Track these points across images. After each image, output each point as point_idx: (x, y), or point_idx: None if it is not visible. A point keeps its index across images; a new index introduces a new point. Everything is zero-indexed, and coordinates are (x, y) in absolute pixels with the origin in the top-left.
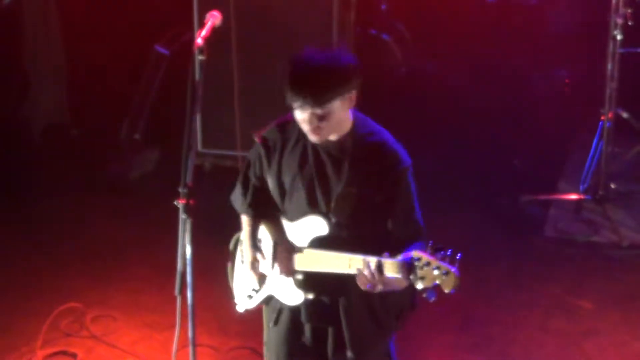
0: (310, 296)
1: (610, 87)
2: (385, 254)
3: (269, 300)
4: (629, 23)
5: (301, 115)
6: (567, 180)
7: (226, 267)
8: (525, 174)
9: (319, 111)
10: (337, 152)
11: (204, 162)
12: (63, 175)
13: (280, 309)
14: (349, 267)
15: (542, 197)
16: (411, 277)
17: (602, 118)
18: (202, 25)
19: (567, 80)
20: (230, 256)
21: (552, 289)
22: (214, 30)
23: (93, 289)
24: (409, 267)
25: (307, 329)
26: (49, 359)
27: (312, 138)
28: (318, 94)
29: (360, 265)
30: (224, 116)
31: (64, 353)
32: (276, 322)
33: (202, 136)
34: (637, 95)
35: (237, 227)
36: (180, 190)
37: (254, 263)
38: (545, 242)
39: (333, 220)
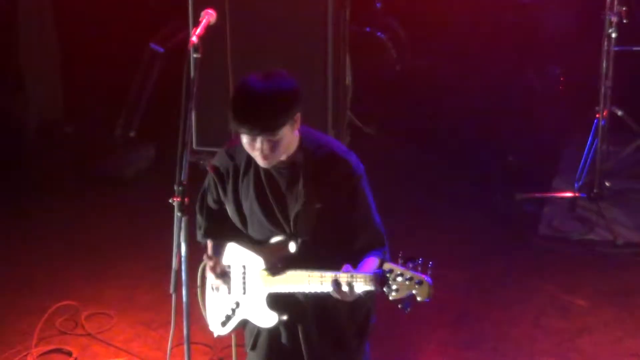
0: (284, 317)
1: (605, 85)
2: (346, 265)
3: (245, 324)
4: (624, 21)
5: (249, 143)
6: (561, 178)
7: (196, 294)
8: (520, 172)
9: (269, 138)
10: (289, 171)
11: (199, 160)
12: (57, 172)
13: (258, 332)
14: (321, 284)
15: (537, 194)
16: (385, 289)
17: (597, 116)
18: (197, 23)
19: (562, 78)
20: (200, 283)
21: (546, 286)
22: (209, 28)
23: (88, 287)
24: (381, 279)
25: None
26: (44, 356)
27: (262, 163)
28: (267, 123)
29: (330, 283)
30: (219, 114)
31: (59, 351)
32: (253, 346)
33: (197, 134)
34: (631, 94)
35: None
36: (175, 188)
37: (214, 284)
38: (539, 239)
39: (298, 239)
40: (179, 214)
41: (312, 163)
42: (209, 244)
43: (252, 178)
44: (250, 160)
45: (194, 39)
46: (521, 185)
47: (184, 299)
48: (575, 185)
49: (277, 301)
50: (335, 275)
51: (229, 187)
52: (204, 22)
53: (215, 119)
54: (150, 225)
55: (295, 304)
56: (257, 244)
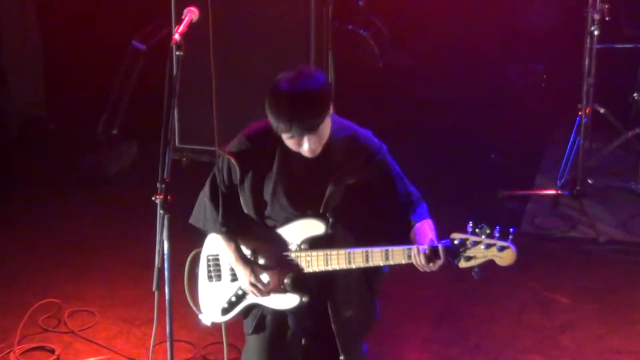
0: (305, 299)
1: (588, 83)
2: (431, 240)
3: (249, 310)
4: (606, 19)
5: (296, 143)
6: (544, 175)
7: (183, 284)
8: (502, 169)
9: (313, 136)
10: (318, 157)
11: (182, 157)
12: (40, 169)
13: (262, 315)
14: (387, 259)
15: (520, 192)
16: (456, 259)
17: (580, 113)
18: (179, 20)
19: (544, 76)
20: (189, 273)
21: (529, 283)
22: (192, 26)
23: (71, 284)
24: (450, 250)
25: (290, 335)
26: (27, 354)
27: (309, 155)
28: (312, 124)
29: (401, 257)
30: (202, 111)
31: (42, 348)
32: (257, 330)
33: (180, 131)
34: (614, 91)
35: None
36: (158, 185)
37: (254, 276)
38: (522, 237)
39: (330, 219)
40: (161, 212)
41: (336, 145)
42: (223, 237)
43: (277, 163)
44: (274, 145)
45: (177, 36)
46: (504, 182)
47: (167, 296)
48: (558, 182)
49: (297, 282)
50: (417, 248)
51: (249, 173)
52: (186, 19)
53: (197, 116)
54: (133, 223)
55: (320, 282)
56: (276, 229)
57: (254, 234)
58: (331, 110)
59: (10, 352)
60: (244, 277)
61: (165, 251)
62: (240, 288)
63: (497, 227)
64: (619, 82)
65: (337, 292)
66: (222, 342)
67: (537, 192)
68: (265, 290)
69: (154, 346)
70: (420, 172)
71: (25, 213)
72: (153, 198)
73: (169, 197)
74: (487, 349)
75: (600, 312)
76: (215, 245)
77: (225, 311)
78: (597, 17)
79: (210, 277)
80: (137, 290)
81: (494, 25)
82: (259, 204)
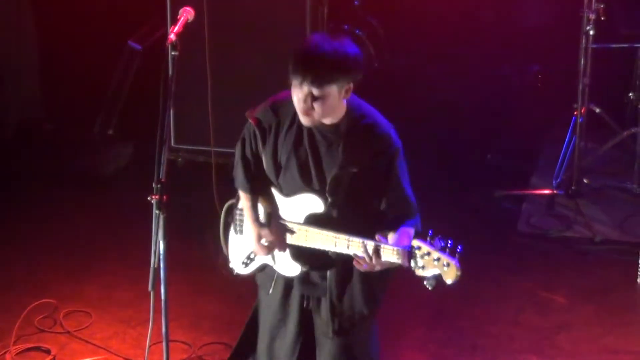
0: (306, 269)
1: (583, 83)
2: (379, 237)
3: (264, 268)
4: (602, 19)
5: (298, 94)
6: (540, 175)
7: (218, 234)
8: (498, 169)
9: (315, 91)
10: (332, 135)
11: (177, 157)
12: (36, 169)
13: (276, 277)
14: (348, 247)
15: (516, 192)
16: (412, 264)
17: (575, 113)
18: (175, 21)
19: (540, 76)
20: (223, 223)
21: (525, 283)
22: (187, 26)
23: (66, 285)
24: (409, 254)
25: (296, 299)
26: (22, 354)
27: (303, 120)
28: (319, 74)
29: (358, 248)
30: (197, 111)
31: (37, 349)
32: (269, 289)
33: (175, 131)
34: (609, 91)
35: (210, 223)
36: (154, 185)
37: (259, 237)
38: (518, 236)
39: (329, 199)
40: (157, 212)
41: (354, 131)
42: (245, 194)
43: (294, 134)
44: (294, 117)
45: (172, 36)
46: (500, 182)
47: (163, 296)
48: (554, 182)
49: (301, 253)
50: (364, 242)
51: (270, 140)
52: (182, 20)
53: (193, 116)
54: (128, 223)
55: (320, 257)
56: (286, 197)
57: (274, 198)
58: (347, 92)
59: (5, 352)
60: (252, 237)
61: (161, 251)
62: None
63: (450, 241)
64: (614, 82)
65: (336, 272)
66: (219, 343)
67: (533, 192)
68: (266, 253)
69: (149, 346)
70: (416, 172)
71: (21, 213)
72: (149, 198)
73: (164, 197)
74: (483, 349)
75: (597, 312)
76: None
77: (245, 264)
78: (592, 17)
79: (236, 230)
80: (132, 290)
81: (490, 26)
82: (277, 170)
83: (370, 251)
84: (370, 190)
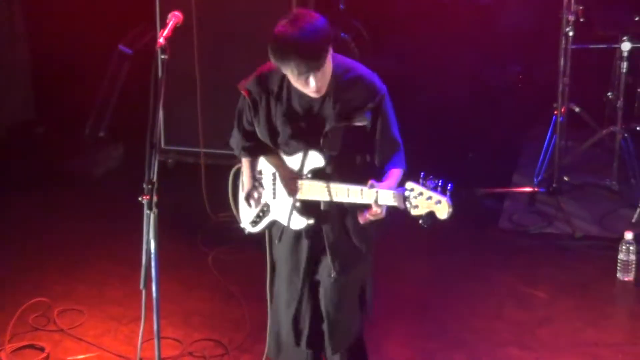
0: (311, 221)
1: (563, 83)
2: (372, 181)
3: (272, 225)
4: (581, 20)
5: (302, 81)
6: (521, 173)
7: (228, 197)
8: (481, 167)
9: (319, 73)
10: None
11: (167, 158)
12: (29, 171)
13: (284, 229)
14: (348, 196)
15: (498, 189)
16: (406, 204)
17: (555, 112)
18: (164, 25)
19: (521, 76)
20: (231, 186)
21: (507, 278)
22: (176, 30)
23: (60, 284)
24: (403, 196)
25: (304, 249)
26: (17, 352)
27: (315, 95)
28: (314, 58)
29: (358, 196)
30: (186, 113)
31: (31, 347)
32: (280, 239)
33: (165, 133)
34: (588, 90)
35: (200, 222)
36: (145, 186)
37: (251, 193)
38: (500, 233)
39: (327, 153)
40: (148, 212)
41: (341, 85)
42: (246, 160)
43: (285, 100)
44: (282, 84)
45: (161, 40)
46: (482, 180)
47: (154, 294)
48: (535, 180)
49: (306, 207)
50: (362, 190)
51: (262, 109)
52: (171, 24)
53: (182, 118)
54: (120, 223)
55: (321, 210)
56: (288, 156)
57: (274, 158)
58: (331, 50)
59: (0, 350)
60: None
61: (152, 250)
62: (265, 204)
63: (441, 181)
64: (593, 81)
65: (334, 220)
66: (210, 340)
67: (515, 189)
68: (255, 207)
69: (141, 343)
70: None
71: (14, 214)
72: (140, 198)
73: (155, 197)
74: (466, 342)
75: (577, 306)
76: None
77: (254, 223)
78: (571, 18)
79: (245, 196)
80: (124, 288)
81: (472, 27)
82: (273, 134)
83: (372, 200)
84: (364, 140)
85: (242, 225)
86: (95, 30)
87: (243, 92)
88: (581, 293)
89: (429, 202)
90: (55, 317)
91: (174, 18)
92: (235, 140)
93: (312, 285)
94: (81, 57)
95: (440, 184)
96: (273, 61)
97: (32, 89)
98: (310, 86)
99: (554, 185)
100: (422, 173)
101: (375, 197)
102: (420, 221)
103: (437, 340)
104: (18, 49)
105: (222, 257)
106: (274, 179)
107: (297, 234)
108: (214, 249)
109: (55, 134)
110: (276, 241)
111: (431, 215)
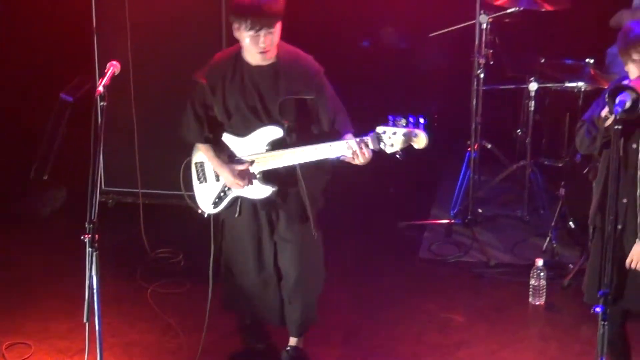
0: (275, 188)
1: (476, 121)
2: (346, 134)
3: (232, 204)
4: (490, 63)
5: (255, 39)
6: (439, 206)
7: (182, 190)
8: (401, 201)
9: (271, 30)
10: (269, 71)
11: (108, 199)
12: None
13: (241, 202)
14: (330, 147)
15: (417, 222)
16: (381, 145)
17: (469, 149)
18: (102, 74)
19: (436, 115)
20: (183, 179)
21: (427, 304)
22: (114, 78)
23: (8, 319)
24: (378, 139)
25: (263, 216)
26: None
27: (262, 58)
28: (270, 16)
29: (342, 149)
30: (125, 156)
31: None
32: (240, 212)
33: (105, 175)
34: (499, 128)
35: (139, 258)
36: (87, 225)
37: (234, 173)
38: (420, 262)
39: (284, 124)
40: (90, 249)
41: (286, 63)
42: (205, 145)
43: (238, 81)
44: (235, 67)
45: (101, 88)
46: (403, 213)
47: (97, 327)
48: (451, 212)
49: (269, 176)
50: (349, 142)
51: (218, 91)
52: (109, 73)
53: (121, 161)
54: (64, 260)
55: (284, 176)
56: (243, 137)
57: (226, 144)
58: (280, 24)
59: None
60: (227, 176)
61: (95, 285)
62: (224, 185)
63: (412, 117)
64: (503, 119)
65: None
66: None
67: (433, 222)
68: (244, 184)
69: None
70: (326, 205)
71: None
72: (82, 237)
73: (96, 236)
74: None
75: (492, 329)
76: (199, 154)
77: (215, 204)
78: (482, 61)
79: (199, 180)
80: (69, 322)
81: (389, 69)
82: (228, 114)
83: (355, 146)
84: (314, 110)
85: (201, 210)
86: (38, 79)
87: (201, 80)
88: (496, 317)
89: (405, 138)
90: (4, 351)
91: (112, 67)
92: (193, 131)
93: (275, 249)
94: (25, 106)
95: (412, 120)
96: (232, 19)
97: None
98: (260, 44)
99: (469, 217)
100: (391, 116)
101: (347, 145)
102: (397, 155)
103: None
104: None
105: (160, 291)
106: (235, 157)
107: (254, 206)
108: (152, 284)
109: (1, 176)
110: (236, 215)
111: (408, 148)
